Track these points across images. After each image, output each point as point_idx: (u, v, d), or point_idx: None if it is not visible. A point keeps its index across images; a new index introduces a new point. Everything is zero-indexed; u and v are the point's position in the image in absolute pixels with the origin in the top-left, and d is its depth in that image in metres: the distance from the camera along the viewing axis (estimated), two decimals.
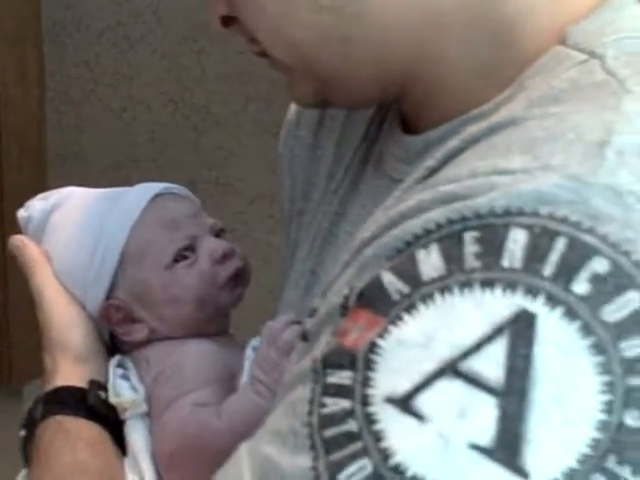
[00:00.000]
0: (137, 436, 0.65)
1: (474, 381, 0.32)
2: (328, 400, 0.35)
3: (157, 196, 0.71)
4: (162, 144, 2.53)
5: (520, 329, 0.32)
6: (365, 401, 0.34)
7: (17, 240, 0.71)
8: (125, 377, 0.67)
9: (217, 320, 0.71)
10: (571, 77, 0.41)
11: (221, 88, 2.42)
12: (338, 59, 0.50)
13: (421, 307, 0.34)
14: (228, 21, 0.54)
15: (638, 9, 0.46)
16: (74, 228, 0.70)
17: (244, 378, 0.65)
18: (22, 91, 2.64)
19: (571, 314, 0.32)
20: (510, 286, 0.32)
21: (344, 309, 0.37)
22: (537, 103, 0.40)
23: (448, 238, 0.34)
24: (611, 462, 0.31)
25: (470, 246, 0.34)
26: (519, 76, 0.45)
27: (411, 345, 0.34)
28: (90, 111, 2.61)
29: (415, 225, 0.36)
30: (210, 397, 0.65)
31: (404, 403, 0.33)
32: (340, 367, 0.35)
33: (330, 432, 0.35)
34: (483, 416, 0.32)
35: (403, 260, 0.35)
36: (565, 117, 0.36)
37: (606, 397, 0.31)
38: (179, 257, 0.68)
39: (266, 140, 2.43)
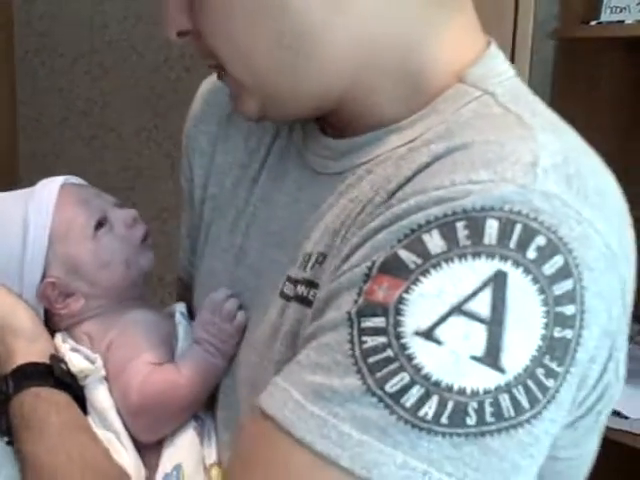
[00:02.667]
0: (101, 396, 0.74)
1: (472, 316, 0.49)
2: (367, 338, 0.50)
3: (63, 185, 0.81)
4: (135, 172, 2.52)
5: (498, 282, 0.49)
6: (398, 336, 0.49)
7: None
8: (74, 350, 0.77)
9: (138, 284, 0.81)
10: (473, 108, 0.59)
11: None
12: (288, 86, 0.62)
13: (432, 271, 0.50)
14: (185, 34, 0.64)
15: (502, 57, 0.65)
16: None
17: (180, 340, 0.76)
18: None
19: (527, 271, 0.49)
20: (490, 255, 0.49)
21: (367, 277, 0.52)
22: (454, 127, 0.57)
23: (445, 226, 0.50)
24: (546, 359, 0.50)
25: (461, 231, 0.50)
26: (430, 102, 0.61)
27: (429, 296, 0.49)
28: (63, 139, 2.60)
29: (418, 218, 0.51)
30: (162, 357, 0.75)
31: (427, 334, 0.49)
32: (374, 315, 0.50)
33: (372, 359, 0.50)
34: (478, 337, 0.49)
35: (413, 241, 0.51)
36: (503, 145, 0.53)
37: (545, 320, 0.49)
38: (98, 227, 0.79)
39: None
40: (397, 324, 0.49)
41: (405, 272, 0.50)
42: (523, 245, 0.49)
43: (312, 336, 0.54)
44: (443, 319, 0.49)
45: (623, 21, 1.73)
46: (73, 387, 0.75)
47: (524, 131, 0.54)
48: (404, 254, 0.51)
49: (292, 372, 0.54)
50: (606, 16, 1.79)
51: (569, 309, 0.50)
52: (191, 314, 0.79)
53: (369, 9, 0.59)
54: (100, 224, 0.79)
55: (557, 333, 0.50)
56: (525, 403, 0.49)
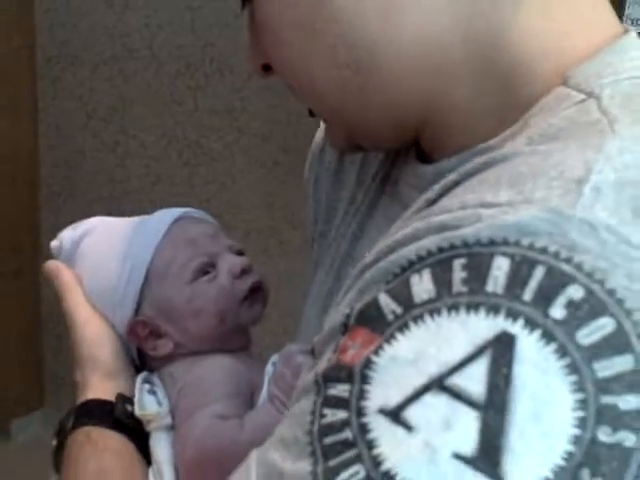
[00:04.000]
0: (161, 447, 0.68)
1: (458, 396, 0.35)
2: (327, 411, 0.38)
3: (178, 219, 0.75)
4: (155, 178, 2.54)
5: (501, 349, 0.35)
6: (360, 412, 0.37)
7: (51, 265, 0.76)
8: (152, 392, 0.71)
9: (238, 336, 0.74)
10: (569, 115, 0.43)
11: (214, 123, 2.43)
12: (359, 108, 0.53)
13: (412, 327, 0.37)
14: (269, 69, 0.57)
15: (638, 53, 0.48)
16: (102, 253, 0.75)
17: (263, 393, 0.68)
18: (15, 126, 2.65)
19: (548, 336, 0.34)
20: (493, 309, 0.35)
21: (344, 327, 0.40)
22: (537, 141, 0.42)
23: (439, 264, 0.37)
24: (585, 474, 0.34)
25: (458, 272, 0.37)
26: (524, 115, 0.47)
27: (402, 361, 0.37)
28: (83, 145, 2.62)
29: (410, 252, 0.39)
30: (231, 410, 0.68)
31: (395, 414, 0.36)
32: (339, 380, 0.38)
33: (329, 440, 0.37)
34: (466, 428, 0.35)
35: (398, 283, 0.39)
36: (550, 154, 0.39)
37: (580, 414, 0.34)
38: (200, 273, 0.72)
39: (258, 174, 2.44)
40: (361, 395, 0.37)
41: (382, 325, 0.38)
42: (545, 297, 0.35)
43: (294, 399, 0.43)
44: (417, 395, 0.36)
45: None
46: (134, 431, 0.68)
47: (596, 138, 0.39)
48: (384, 300, 0.38)
49: (266, 443, 0.43)
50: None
51: (627, 401, 0.34)
52: None
53: (429, 4, 0.48)
54: (204, 269, 0.73)
55: (605, 436, 0.34)
56: None
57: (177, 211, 0.76)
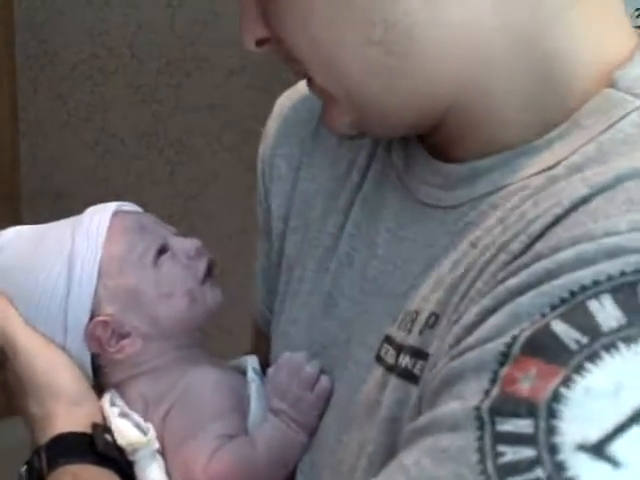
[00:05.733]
0: (152, 474, 0.63)
1: None
2: (505, 448, 0.36)
3: (116, 213, 0.72)
4: (136, 177, 2.52)
5: None
6: (553, 449, 0.35)
7: None
8: (123, 415, 0.66)
9: (202, 326, 0.71)
10: (634, 122, 0.45)
11: (195, 121, 2.42)
12: (384, 92, 0.51)
13: (606, 357, 0.36)
14: (263, 42, 0.55)
15: None
16: (33, 265, 0.69)
17: (253, 403, 0.65)
18: None
19: None
20: None
21: (504, 357, 0.38)
22: (608, 147, 0.44)
23: (622, 290, 0.36)
24: None
25: None
26: (570, 114, 0.48)
27: (600, 394, 0.35)
28: (64, 144, 2.60)
29: (582, 276, 0.37)
30: (234, 427, 0.64)
31: (597, 450, 0.35)
32: (515, 415, 0.36)
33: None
34: None
35: (573, 309, 0.37)
36: None
37: None
38: (159, 254, 0.70)
39: (241, 172, 2.43)
40: (551, 431, 0.36)
41: (563, 355, 0.37)
42: None
43: (423, 431, 0.41)
44: (622, 429, 0.35)
45: None
46: (119, 463, 0.63)
47: None
48: (561, 328, 0.37)
49: None
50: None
51: None
52: (265, 368, 0.68)
53: None
54: (161, 251, 0.70)
55: None
56: None
57: (112, 205, 0.74)
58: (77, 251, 0.68)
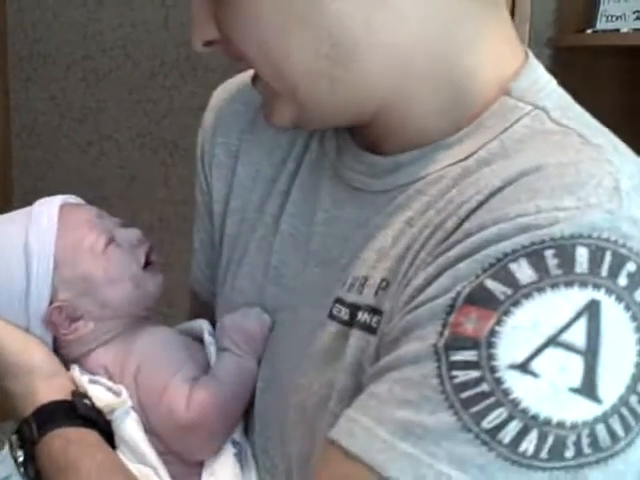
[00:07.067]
0: (131, 428, 0.71)
1: (568, 347, 0.48)
2: (457, 372, 0.49)
3: (62, 206, 0.78)
4: (130, 178, 2.51)
5: (592, 311, 0.48)
6: (493, 369, 0.48)
7: None
8: (93, 382, 0.74)
9: (148, 307, 0.79)
10: (526, 124, 0.58)
11: (189, 122, 2.41)
12: (324, 95, 0.59)
13: (524, 302, 0.48)
14: (211, 43, 0.61)
15: (541, 69, 0.62)
16: None
17: (213, 359, 0.74)
18: None
19: (619, 299, 0.48)
20: (583, 284, 0.48)
21: (450, 308, 0.50)
22: (508, 144, 0.57)
23: (533, 254, 0.49)
24: (639, 387, 0.49)
25: (551, 260, 0.49)
26: (476, 117, 0.59)
27: (523, 328, 0.48)
28: (57, 146, 2.59)
29: (504, 246, 0.50)
30: (195, 370, 0.73)
31: (522, 367, 0.48)
32: (463, 348, 0.49)
33: (466, 394, 0.48)
34: (575, 368, 0.48)
35: (499, 270, 0.49)
36: (579, 169, 0.52)
37: (638, 347, 0.48)
38: (107, 245, 0.77)
39: None
40: (490, 357, 0.48)
41: (494, 303, 0.49)
42: (614, 272, 0.48)
43: (389, 368, 0.52)
44: (539, 351, 0.48)
45: (618, 30, 1.73)
46: (100, 423, 0.71)
47: (593, 152, 0.53)
48: (491, 284, 0.49)
49: (371, 407, 0.52)
50: (602, 24, 1.79)
51: None
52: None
53: (410, 11, 0.56)
54: (109, 242, 0.77)
55: None
56: (620, 432, 0.48)
57: (58, 198, 0.80)
58: (32, 245, 0.75)
